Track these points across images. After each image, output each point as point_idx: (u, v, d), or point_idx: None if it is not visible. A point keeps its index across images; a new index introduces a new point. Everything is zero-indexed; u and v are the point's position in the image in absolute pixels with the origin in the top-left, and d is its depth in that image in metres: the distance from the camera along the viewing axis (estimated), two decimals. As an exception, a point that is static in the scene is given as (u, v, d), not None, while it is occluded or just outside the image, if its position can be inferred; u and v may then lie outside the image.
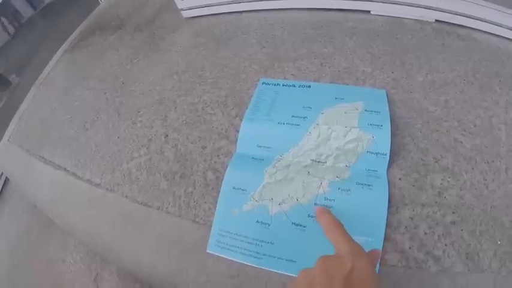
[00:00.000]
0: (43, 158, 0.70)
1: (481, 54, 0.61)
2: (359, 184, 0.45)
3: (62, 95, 0.83)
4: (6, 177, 1.02)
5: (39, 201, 0.72)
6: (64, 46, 1.07)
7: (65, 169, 0.65)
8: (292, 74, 0.62)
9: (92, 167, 0.62)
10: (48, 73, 0.97)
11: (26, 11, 3.37)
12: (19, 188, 0.87)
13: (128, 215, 0.54)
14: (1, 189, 1.09)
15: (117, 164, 0.59)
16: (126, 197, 0.55)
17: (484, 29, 0.64)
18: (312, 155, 0.49)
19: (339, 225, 0.38)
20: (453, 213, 0.43)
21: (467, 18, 0.64)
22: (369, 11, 0.70)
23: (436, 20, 0.67)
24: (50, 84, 0.92)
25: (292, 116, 0.52)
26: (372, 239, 0.42)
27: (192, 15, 0.82)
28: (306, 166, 0.48)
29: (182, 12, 0.82)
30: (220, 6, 0.78)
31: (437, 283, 0.41)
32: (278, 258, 0.43)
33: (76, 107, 0.75)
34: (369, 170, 0.47)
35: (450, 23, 0.66)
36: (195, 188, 0.51)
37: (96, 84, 0.78)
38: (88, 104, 0.74)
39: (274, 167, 0.48)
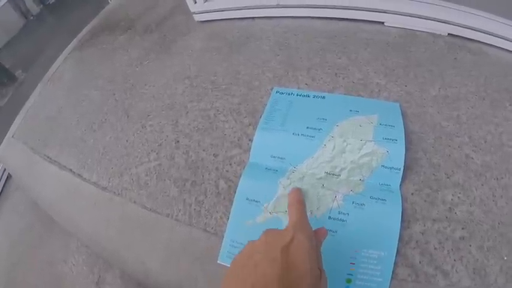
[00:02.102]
0: (48, 157, 0.70)
1: (492, 69, 0.61)
2: (373, 198, 0.45)
3: (70, 94, 0.82)
4: (9, 173, 1.01)
5: (42, 200, 0.71)
6: (73, 43, 1.06)
7: (70, 170, 0.64)
8: (306, 84, 0.61)
9: (99, 170, 0.61)
10: (56, 70, 0.97)
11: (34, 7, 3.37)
12: (22, 186, 0.86)
13: (136, 221, 0.54)
14: (3, 185, 1.08)
15: (126, 168, 0.59)
16: (134, 202, 0.55)
17: (494, 44, 0.64)
18: (327, 167, 0.48)
19: (300, 202, 0.40)
20: (462, 228, 0.44)
21: (479, 33, 0.64)
22: (383, 23, 0.70)
23: (449, 34, 0.67)
24: (57, 82, 0.91)
25: (307, 128, 0.51)
26: (384, 253, 0.42)
27: (205, 19, 0.82)
28: (320, 178, 0.48)
29: (194, 15, 0.81)
30: (233, 11, 0.78)
31: None
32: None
33: (83, 107, 0.75)
34: (382, 184, 0.47)
35: (462, 37, 0.66)
36: (206, 197, 0.51)
37: (105, 84, 0.78)
38: (96, 104, 0.74)
39: (288, 179, 0.48)
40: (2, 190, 1.07)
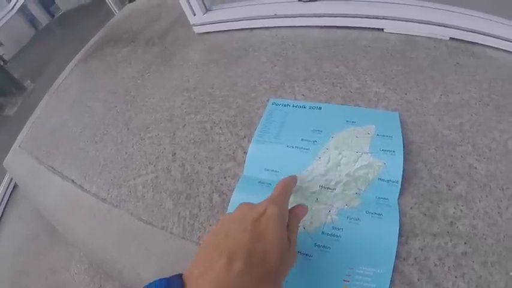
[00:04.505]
0: (52, 167, 0.71)
1: (497, 73, 0.59)
2: (369, 213, 0.44)
3: (74, 106, 0.84)
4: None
5: (45, 210, 0.73)
6: (78, 56, 1.09)
7: (72, 181, 0.65)
8: (302, 94, 0.60)
9: (99, 181, 0.62)
10: (62, 82, 0.99)
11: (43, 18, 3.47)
12: (27, 195, 0.88)
13: (132, 233, 0.54)
14: (11, 192, 1.11)
15: (124, 180, 0.59)
16: (131, 214, 0.55)
17: (499, 46, 0.62)
18: (321, 181, 0.47)
19: (286, 183, 0.41)
20: (465, 243, 0.42)
21: (482, 36, 0.62)
22: (382, 29, 0.69)
23: (451, 38, 0.65)
24: (62, 93, 0.93)
25: (302, 140, 0.50)
26: (380, 270, 0.40)
27: (204, 31, 0.82)
28: (314, 192, 0.47)
29: (194, 27, 0.82)
30: (232, 22, 0.78)
31: None
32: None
33: (87, 119, 0.76)
34: (379, 198, 0.45)
35: (465, 40, 0.64)
36: (200, 210, 0.50)
37: (107, 96, 0.79)
38: (98, 116, 0.75)
39: (281, 193, 0.47)
40: (9, 198, 1.10)
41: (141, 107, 0.71)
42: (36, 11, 3.41)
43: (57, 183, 0.67)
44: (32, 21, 3.36)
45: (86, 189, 0.62)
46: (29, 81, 2.31)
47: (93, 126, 0.73)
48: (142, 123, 0.67)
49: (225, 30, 0.81)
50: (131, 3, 1.29)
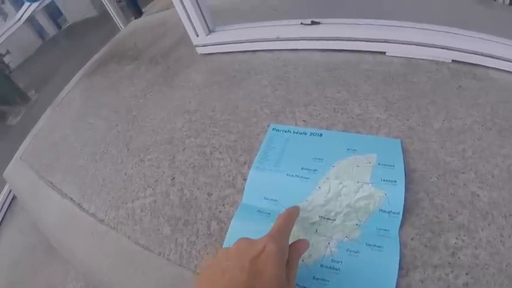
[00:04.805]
0: (51, 183, 0.71)
1: (499, 95, 0.59)
2: (369, 245, 0.43)
3: (76, 121, 0.84)
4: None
5: (43, 225, 0.73)
6: (83, 70, 1.10)
7: (71, 199, 0.65)
8: (303, 120, 0.60)
9: (97, 201, 0.62)
10: (65, 95, 1.00)
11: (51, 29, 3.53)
12: (25, 207, 0.88)
13: (129, 256, 0.53)
14: (10, 202, 1.11)
15: (122, 202, 0.59)
16: (129, 237, 0.54)
17: (501, 67, 0.62)
18: (321, 211, 0.47)
19: (289, 214, 0.40)
20: (466, 274, 0.41)
21: (484, 57, 0.62)
22: (384, 52, 0.69)
23: (453, 60, 0.65)
24: (65, 107, 0.94)
25: (302, 168, 0.50)
26: None
27: (207, 52, 0.83)
28: (314, 223, 0.46)
29: (197, 48, 0.83)
30: (235, 44, 0.79)
31: None
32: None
33: (88, 136, 0.76)
34: (380, 229, 0.44)
35: (467, 62, 0.64)
36: (197, 237, 0.50)
37: (109, 114, 0.79)
38: (100, 134, 0.75)
39: (280, 223, 0.47)
40: (8, 208, 1.10)
41: (142, 127, 0.71)
42: (44, 21, 3.47)
43: (56, 200, 0.67)
44: (40, 31, 3.42)
45: (84, 209, 0.62)
46: (33, 91, 2.34)
47: (93, 143, 0.73)
48: (143, 144, 0.66)
49: (228, 52, 0.81)
50: (136, 20, 1.31)
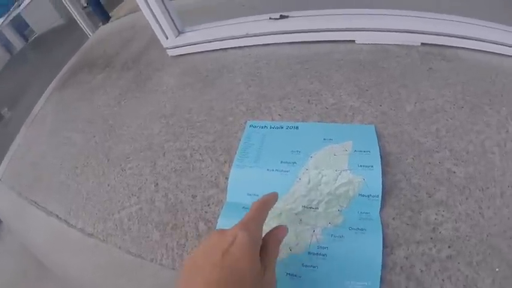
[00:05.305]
0: (35, 202, 0.69)
1: (469, 74, 0.61)
2: (352, 229, 0.45)
3: (52, 137, 0.82)
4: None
5: (32, 246, 0.71)
6: (53, 84, 1.07)
7: (57, 216, 0.64)
8: (279, 114, 0.61)
9: (84, 216, 0.61)
10: (38, 112, 0.97)
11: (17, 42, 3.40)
12: (11, 230, 0.86)
13: (122, 267, 0.53)
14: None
15: (109, 214, 0.58)
16: (119, 248, 0.54)
17: (469, 47, 0.64)
18: (304, 201, 0.48)
19: (263, 202, 0.39)
20: (449, 247, 0.43)
21: (453, 38, 0.64)
22: (354, 41, 0.70)
23: (422, 43, 0.66)
24: (39, 125, 0.91)
25: (281, 162, 0.51)
26: (368, 283, 0.41)
27: (178, 54, 0.82)
28: (297, 213, 0.47)
29: (168, 51, 0.82)
30: (205, 44, 0.78)
31: None
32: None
33: (66, 150, 0.75)
34: (361, 213, 0.46)
35: (436, 44, 0.66)
36: (187, 240, 0.50)
37: (85, 126, 0.78)
38: (77, 147, 0.74)
39: (265, 217, 0.48)
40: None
41: (119, 136, 0.70)
42: (11, 35, 3.33)
43: (42, 219, 0.66)
44: (7, 45, 3.28)
45: (72, 224, 0.61)
46: (6, 109, 2.25)
47: (72, 157, 0.72)
48: (122, 153, 0.66)
49: (199, 52, 0.81)
50: (104, 26, 1.28)
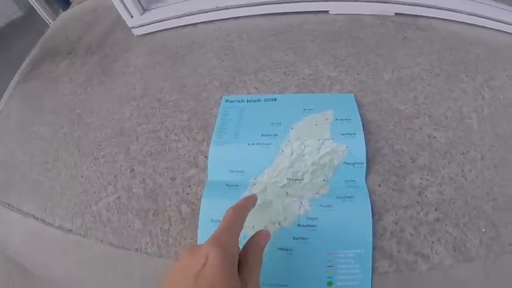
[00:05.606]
0: (9, 204, 0.65)
1: (444, 43, 0.61)
2: (339, 198, 0.44)
3: (19, 133, 0.77)
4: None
5: (11, 250, 0.67)
6: (16, 78, 1.00)
7: (33, 216, 0.60)
8: (255, 88, 0.59)
9: (60, 212, 0.57)
10: (3, 109, 0.91)
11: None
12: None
13: (106, 260, 0.51)
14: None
15: (86, 206, 0.55)
16: (101, 241, 0.52)
17: (443, 17, 0.64)
18: (288, 173, 0.47)
19: (235, 209, 0.36)
20: (436, 210, 0.44)
21: (426, 8, 0.64)
22: (327, 11, 0.68)
23: (396, 13, 0.66)
24: (5, 121, 0.85)
25: (262, 135, 0.49)
26: (361, 250, 0.42)
27: (144, 32, 0.78)
28: (283, 186, 0.46)
29: (133, 30, 0.77)
30: (173, 20, 0.74)
31: (430, 280, 0.41)
32: (268, 285, 0.41)
33: (34, 146, 0.70)
34: (347, 181, 0.46)
35: (409, 14, 0.66)
36: (171, 225, 0.48)
37: (51, 118, 0.73)
38: (46, 141, 0.69)
39: (251, 192, 0.46)
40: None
41: (88, 124, 0.66)
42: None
43: (18, 221, 0.62)
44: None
45: (49, 223, 0.58)
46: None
47: (42, 152, 0.67)
48: (93, 141, 0.62)
49: (167, 29, 0.76)
50: (64, 12, 1.20)
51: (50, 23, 1.27)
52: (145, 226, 0.50)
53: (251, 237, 0.35)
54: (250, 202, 0.38)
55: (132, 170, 0.55)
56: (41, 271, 0.62)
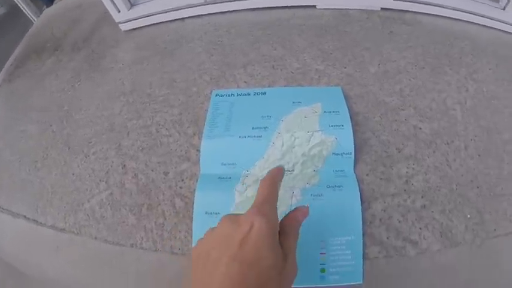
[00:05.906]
0: (-1, 207, 0.65)
1: (429, 38, 0.63)
2: (329, 187, 0.45)
3: (6, 133, 0.75)
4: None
5: (4, 253, 0.67)
6: (1, 76, 0.98)
7: (24, 217, 0.59)
8: (245, 82, 0.59)
9: (52, 211, 0.57)
10: (-11, 109, 0.89)
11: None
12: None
13: (101, 257, 0.51)
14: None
15: (78, 204, 0.55)
16: (95, 238, 0.52)
17: (428, 12, 0.66)
18: (279, 165, 0.48)
19: (273, 177, 0.36)
20: (422, 197, 0.45)
21: (412, 3, 0.65)
22: (315, 6, 0.69)
23: (382, 8, 0.68)
24: (-8, 121, 0.84)
25: (253, 128, 0.50)
26: (351, 237, 0.43)
27: (132, 27, 0.77)
28: (274, 178, 0.47)
29: (120, 25, 0.76)
30: (161, 14, 0.73)
31: (418, 265, 0.43)
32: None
33: (23, 145, 0.69)
34: (336, 171, 0.47)
35: (395, 9, 0.67)
36: (165, 219, 0.49)
37: (39, 116, 0.72)
38: (34, 140, 0.68)
39: (243, 184, 0.47)
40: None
41: (78, 121, 0.65)
42: None
43: (9, 222, 0.61)
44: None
45: (41, 223, 0.57)
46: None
47: (31, 152, 0.66)
48: (83, 138, 0.62)
49: (154, 24, 0.76)
50: (49, 8, 1.17)
51: (34, 20, 1.24)
52: (139, 221, 0.50)
53: (290, 212, 0.35)
54: (280, 172, 0.38)
55: (124, 165, 0.55)
56: (34, 272, 0.62)
